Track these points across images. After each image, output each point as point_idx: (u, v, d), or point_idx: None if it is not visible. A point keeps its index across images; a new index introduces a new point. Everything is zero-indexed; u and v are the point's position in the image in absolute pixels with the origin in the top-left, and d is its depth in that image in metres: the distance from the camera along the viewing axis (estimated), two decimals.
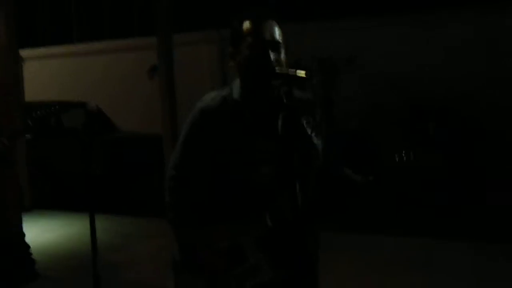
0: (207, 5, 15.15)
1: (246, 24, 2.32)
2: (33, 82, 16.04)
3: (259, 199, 2.32)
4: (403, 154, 2.24)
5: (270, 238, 2.30)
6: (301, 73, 2.18)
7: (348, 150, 10.20)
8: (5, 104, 5.11)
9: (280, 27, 2.35)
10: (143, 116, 13.59)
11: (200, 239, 2.36)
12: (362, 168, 2.40)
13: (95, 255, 3.66)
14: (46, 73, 16.30)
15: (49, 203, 9.24)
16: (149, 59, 13.32)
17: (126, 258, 6.27)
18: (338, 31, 12.28)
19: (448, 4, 11.92)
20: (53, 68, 16.36)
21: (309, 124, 2.33)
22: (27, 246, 5.69)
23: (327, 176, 2.47)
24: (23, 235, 5.67)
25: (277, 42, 2.31)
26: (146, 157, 9.63)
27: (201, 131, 2.37)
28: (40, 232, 7.44)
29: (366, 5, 12.92)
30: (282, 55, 2.32)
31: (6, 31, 5.31)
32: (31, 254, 5.72)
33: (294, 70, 2.19)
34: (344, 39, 12.01)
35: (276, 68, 2.24)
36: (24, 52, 16.42)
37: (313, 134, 2.33)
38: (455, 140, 10.16)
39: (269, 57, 2.26)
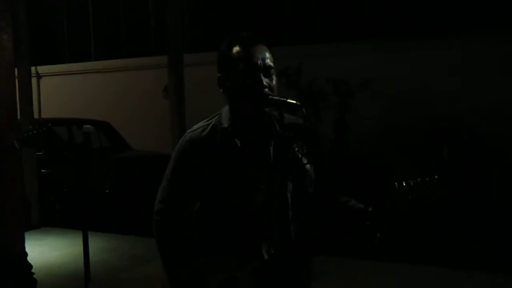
0: (221, 26, 15.20)
1: (236, 49, 2.24)
2: (50, 99, 16.22)
3: (252, 230, 2.24)
4: (404, 184, 2.13)
5: (264, 270, 2.21)
6: (292, 101, 2.12)
7: (359, 176, 10.04)
8: (9, 122, 5.04)
9: (271, 51, 2.28)
10: (157, 135, 13.56)
11: (191, 274, 2.28)
12: (366, 198, 2.30)
13: (88, 278, 3.61)
14: (64, 90, 16.41)
15: (58, 221, 9.20)
16: (165, 78, 13.34)
17: (131, 280, 6.20)
18: (353, 53, 12.21)
19: (463, 27, 11.83)
20: (71, 85, 16.46)
21: (302, 150, 2.25)
22: (29, 266, 5.61)
23: (326, 204, 2.38)
24: (25, 254, 5.59)
25: (269, 67, 2.23)
26: (156, 177, 9.57)
27: (189, 162, 2.30)
28: (46, 251, 7.38)
29: (381, 28, 12.88)
30: (274, 80, 2.24)
31: (13, 46, 5.24)
32: (33, 274, 5.63)
33: (285, 98, 2.14)
34: (359, 62, 11.92)
35: (268, 93, 2.18)
36: (42, 69, 16.63)
37: (305, 161, 2.24)
38: (470, 167, 9.91)
39: (262, 82, 2.18)
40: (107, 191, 9.00)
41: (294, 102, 2.11)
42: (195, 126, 2.35)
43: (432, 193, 2.10)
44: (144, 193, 9.52)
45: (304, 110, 2.11)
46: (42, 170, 9.29)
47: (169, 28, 7.70)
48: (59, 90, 16.40)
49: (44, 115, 15.55)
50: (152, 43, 17.32)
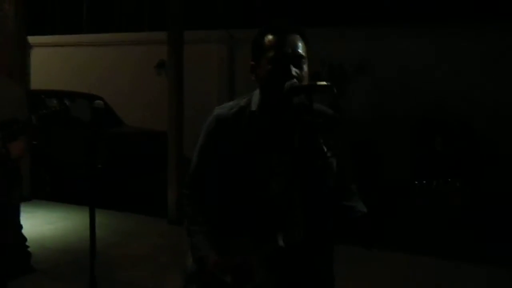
0: (218, 5, 15.12)
1: (268, 37, 2.24)
2: (40, 70, 16.03)
3: (270, 217, 2.25)
4: (424, 182, 2.16)
5: (279, 258, 2.22)
6: (322, 83, 2.10)
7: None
8: None
9: (305, 40, 2.27)
10: (149, 112, 13.50)
11: (212, 250, 2.28)
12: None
13: (93, 254, 3.58)
14: (54, 61, 16.24)
15: (49, 194, 9.16)
16: (158, 54, 13.27)
17: (121, 257, 6.18)
18: (349, 38, 12.17)
19: (460, 16, 11.82)
20: (62, 56, 16.29)
21: (328, 142, 2.22)
22: (24, 238, 5.59)
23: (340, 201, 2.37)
24: (21, 227, 5.56)
25: (300, 56, 2.22)
26: (149, 154, 9.56)
27: (215, 139, 2.33)
28: (38, 224, 7.35)
29: (379, 14, 12.85)
30: (305, 70, 2.23)
31: (15, 18, 5.16)
32: (28, 247, 5.62)
33: (314, 82, 2.13)
34: (355, 47, 11.89)
35: (295, 82, 2.15)
36: (32, 39, 16.42)
37: (330, 154, 2.21)
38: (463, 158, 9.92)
39: (290, 72, 2.17)
40: (99, 166, 8.93)
41: (324, 83, 2.10)
42: (224, 105, 2.38)
43: (450, 194, 2.14)
44: (136, 169, 9.57)
45: (335, 90, 2.08)
46: (33, 142, 9.19)
47: (170, 4, 7.62)
48: (50, 62, 16.22)
49: (34, 86, 15.36)
50: (145, 18, 17.18)
